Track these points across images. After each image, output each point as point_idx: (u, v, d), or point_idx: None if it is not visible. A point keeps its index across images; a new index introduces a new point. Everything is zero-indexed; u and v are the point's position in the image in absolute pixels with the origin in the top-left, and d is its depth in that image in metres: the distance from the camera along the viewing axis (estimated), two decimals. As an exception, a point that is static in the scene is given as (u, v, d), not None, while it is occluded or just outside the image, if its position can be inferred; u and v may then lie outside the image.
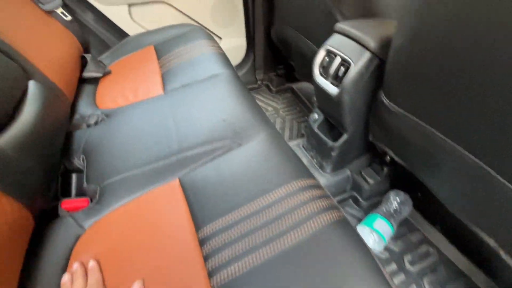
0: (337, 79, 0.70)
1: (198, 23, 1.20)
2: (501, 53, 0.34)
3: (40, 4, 0.75)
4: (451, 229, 0.80)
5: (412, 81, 0.53)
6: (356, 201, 0.92)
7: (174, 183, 0.50)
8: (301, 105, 1.38)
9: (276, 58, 1.42)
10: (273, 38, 1.28)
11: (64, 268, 0.40)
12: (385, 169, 0.87)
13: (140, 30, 1.11)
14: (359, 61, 0.65)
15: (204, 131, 0.61)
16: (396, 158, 0.71)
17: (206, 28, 1.20)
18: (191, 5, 1.15)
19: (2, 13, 0.59)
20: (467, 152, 0.46)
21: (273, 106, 1.41)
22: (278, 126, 1.28)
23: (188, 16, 1.17)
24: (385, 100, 0.62)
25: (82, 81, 0.83)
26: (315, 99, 0.89)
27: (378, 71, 0.64)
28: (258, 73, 1.46)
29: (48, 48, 0.69)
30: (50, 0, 0.78)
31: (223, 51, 0.90)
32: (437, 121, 0.51)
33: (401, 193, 0.85)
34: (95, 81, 0.85)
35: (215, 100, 0.70)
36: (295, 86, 1.45)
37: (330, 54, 0.73)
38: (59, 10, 0.81)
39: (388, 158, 0.84)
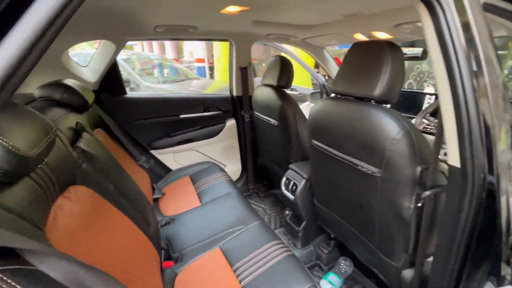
0: (293, 192, 1.37)
1: (213, 159, 1.96)
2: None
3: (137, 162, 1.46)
4: (382, 281, 1.29)
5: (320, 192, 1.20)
6: (320, 267, 1.42)
7: (217, 250, 1.05)
8: (280, 205, 2.01)
9: (261, 175, 2.15)
10: (259, 164, 2.05)
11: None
12: (332, 243, 1.42)
13: (178, 166, 1.84)
14: (301, 183, 1.34)
15: (228, 222, 1.20)
16: (333, 234, 1.29)
17: (217, 161, 1.96)
18: (208, 150, 1.95)
19: None
20: (347, 224, 1.08)
21: (262, 207, 2.02)
22: (266, 220, 1.85)
23: (208, 156, 1.95)
24: (316, 202, 1.27)
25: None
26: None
27: (311, 188, 1.32)
28: (250, 184, 2.15)
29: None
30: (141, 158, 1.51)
31: (230, 178, 1.58)
32: (335, 210, 1.15)
33: (347, 258, 1.37)
34: (157, 200, 1.47)
35: (230, 207, 1.31)
36: (275, 192, 2.12)
37: (288, 178, 1.43)
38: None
39: (332, 235, 1.42)
